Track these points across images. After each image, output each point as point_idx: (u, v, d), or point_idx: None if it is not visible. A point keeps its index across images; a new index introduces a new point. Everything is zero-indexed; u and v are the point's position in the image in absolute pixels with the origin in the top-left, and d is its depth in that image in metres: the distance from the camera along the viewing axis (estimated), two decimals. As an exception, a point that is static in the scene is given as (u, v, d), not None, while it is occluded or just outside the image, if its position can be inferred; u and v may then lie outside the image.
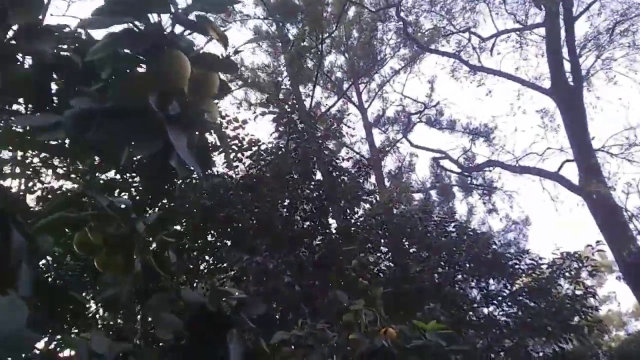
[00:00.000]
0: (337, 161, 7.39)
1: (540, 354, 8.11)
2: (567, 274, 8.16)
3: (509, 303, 7.94)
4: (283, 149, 6.99)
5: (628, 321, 30.17)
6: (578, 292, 8.14)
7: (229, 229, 6.33)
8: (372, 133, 21.83)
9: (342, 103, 22.35)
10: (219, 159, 6.23)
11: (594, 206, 15.22)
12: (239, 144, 7.01)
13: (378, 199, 8.72)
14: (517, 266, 8.39)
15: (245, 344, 2.02)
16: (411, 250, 8.01)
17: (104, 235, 2.24)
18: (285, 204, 6.65)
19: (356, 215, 7.57)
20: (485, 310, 8.19)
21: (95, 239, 2.21)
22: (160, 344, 2.24)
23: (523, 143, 39.39)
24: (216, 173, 6.71)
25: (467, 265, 7.98)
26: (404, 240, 7.90)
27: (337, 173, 7.19)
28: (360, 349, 3.25)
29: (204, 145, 1.93)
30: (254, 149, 6.99)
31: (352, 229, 6.84)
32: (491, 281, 8.30)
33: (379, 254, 7.65)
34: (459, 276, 7.96)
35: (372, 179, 10.89)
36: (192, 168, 1.70)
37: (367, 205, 8.18)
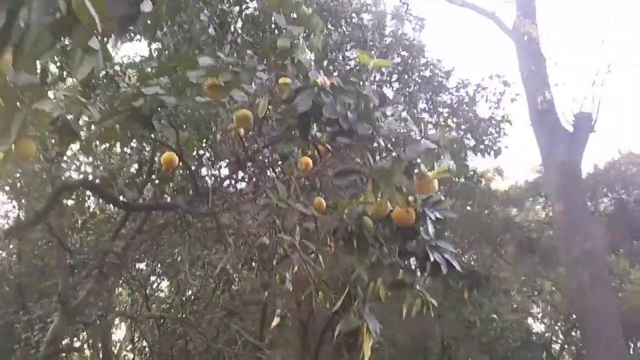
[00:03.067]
0: None
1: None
2: (490, 94, 8.21)
3: (430, 112, 7.94)
4: None
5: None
6: (496, 117, 8.29)
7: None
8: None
9: None
10: None
11: (521, 51, 15.33)
12: None
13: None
14: (444, 81, 8.30)
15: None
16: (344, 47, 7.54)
17: None
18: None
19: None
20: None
21: None
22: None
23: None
24: None
25: (398, 73, 7.74)
26: (334, 32, 7.37)
27: None
28: (288, 92, 2.91)
29: None
30: None
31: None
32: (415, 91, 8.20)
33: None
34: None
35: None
36: None
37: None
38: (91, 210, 7.18)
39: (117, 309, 16.53)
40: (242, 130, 3.57)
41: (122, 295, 17.25)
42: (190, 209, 3.41)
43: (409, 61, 7.79)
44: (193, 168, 3.81)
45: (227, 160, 3.52)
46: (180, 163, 3.67)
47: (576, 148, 14.56)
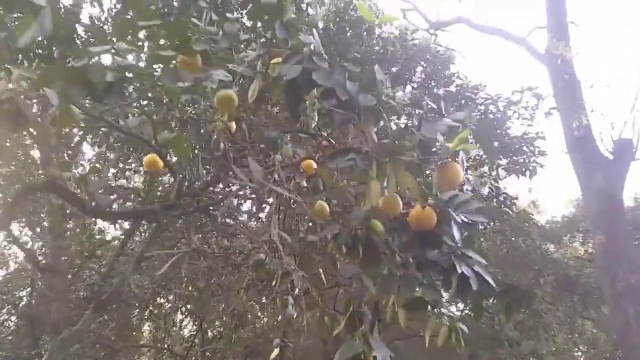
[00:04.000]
0: None
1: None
2: (522, 109, 7.56)
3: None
4: None
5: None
6: (530, 134, 7.62)
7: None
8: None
9: None
10: None
11: (554, 75, 14.68)
12: None
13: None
14: (472, 96, 7.69)
15: None
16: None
17: None
18: None
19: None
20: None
21: None
22: None
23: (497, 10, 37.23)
24: None
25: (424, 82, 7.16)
26: (355, 45, 6.88)
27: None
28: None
29: None
30: None
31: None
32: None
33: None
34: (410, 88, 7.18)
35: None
36: None
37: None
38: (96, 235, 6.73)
39: (141, 342, 16.03)
40: (233, 125, 3.05)
41: (145, 332, 16.73)
42: (167, 215, 2.87)
43: (434, 76, 7.23)
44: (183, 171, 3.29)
45: (214, 159, 2.98)
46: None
47: (616, 176, 13.73)
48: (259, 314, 15.09)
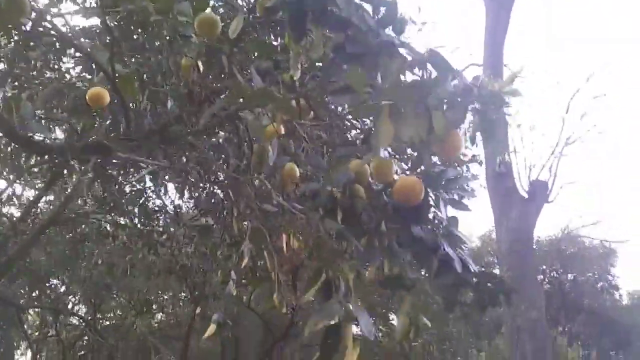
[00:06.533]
0: None
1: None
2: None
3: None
4: None
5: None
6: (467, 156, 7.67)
7: None
8: None
9: None
10: None
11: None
12: None
13: None
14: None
15: None
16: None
17: None
18: None
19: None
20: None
21: None
22: None
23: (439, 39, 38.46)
24: None
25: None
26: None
27: None
28: None
29: None
30: None
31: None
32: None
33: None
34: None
35: None
36: None
37: None
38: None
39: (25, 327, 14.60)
40: (200, 63, 2.69)
41: (32, 315, 15.22)
42: (125, 147, 2.45)
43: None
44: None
45: (175, 95, 2.60)
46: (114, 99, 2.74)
47: (530, 215, 14.32)
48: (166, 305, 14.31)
